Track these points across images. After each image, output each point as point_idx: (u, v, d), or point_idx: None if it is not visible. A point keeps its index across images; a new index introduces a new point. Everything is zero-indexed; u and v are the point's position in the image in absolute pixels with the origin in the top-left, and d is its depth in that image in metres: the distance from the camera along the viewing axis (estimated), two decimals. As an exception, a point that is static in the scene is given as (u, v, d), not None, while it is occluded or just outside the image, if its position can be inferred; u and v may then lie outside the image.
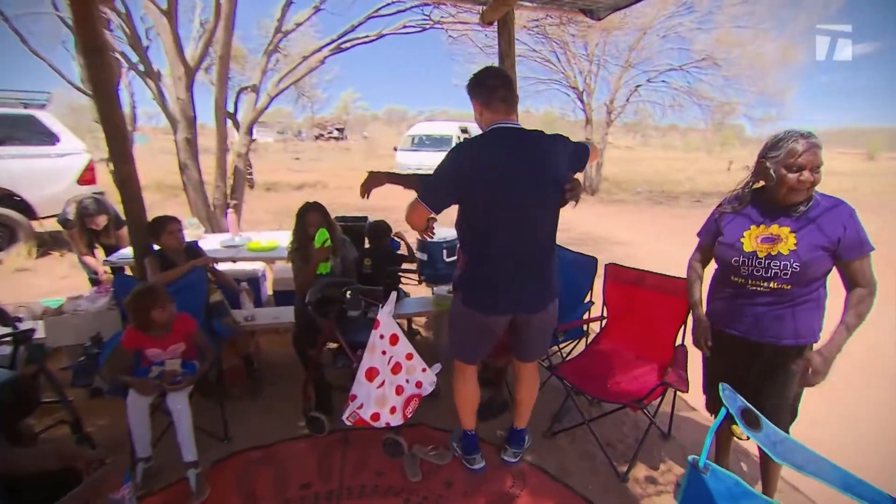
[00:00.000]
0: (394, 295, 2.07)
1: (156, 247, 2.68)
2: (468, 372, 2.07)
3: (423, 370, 2.11)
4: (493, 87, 1.73)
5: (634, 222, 9.62)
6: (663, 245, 7.50)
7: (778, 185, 1.54)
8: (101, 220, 3.72)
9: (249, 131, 5.91)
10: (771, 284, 1.55)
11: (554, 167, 1.72)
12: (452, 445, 2.30)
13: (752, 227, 1.62)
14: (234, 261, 3.37)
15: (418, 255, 3.41)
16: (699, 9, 11.01)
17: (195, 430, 2.06)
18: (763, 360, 1.64)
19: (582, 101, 13.62)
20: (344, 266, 2.78)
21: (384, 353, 2.02)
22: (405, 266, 3.21)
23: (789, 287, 1.53)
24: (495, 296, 1.78)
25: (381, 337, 2.01)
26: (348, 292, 2.24)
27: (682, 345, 2.26)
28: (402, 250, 3.31)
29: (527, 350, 2.04)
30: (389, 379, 2.03)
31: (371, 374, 1.99)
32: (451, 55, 15.88)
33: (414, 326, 3.66)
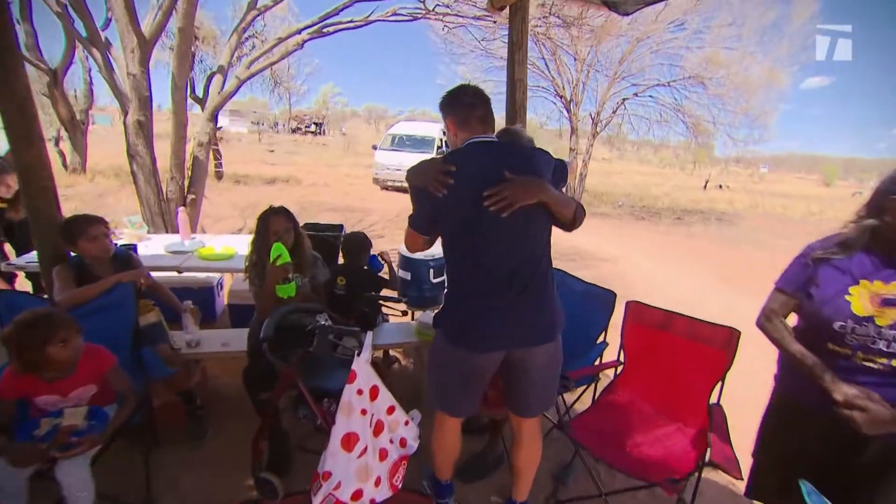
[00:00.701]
0: (369, 336, 1.59)
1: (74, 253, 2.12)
2: (448, 424, 1.71)
3: (406, 423, 1.65)
4: (470, 105, 1.53)
5: (619, 237, 9.41)
6: (652, 263, 7.27)
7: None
8: (11, 182, 3.01)
9: (214, 118, 5.28)
10: (893, 362, 1.17)
11: (544, 175, 1.51)
12: (422, 484, 1.96)
13: (864, 281, 1.24)
14: (178, 271, 2.81)
15: (401, 273, 2.94)
16: (689, 26, 10.97)
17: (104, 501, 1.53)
18: (870, 456, 1.26)
19: (569, 111, 13.43)
20: (314, 289, 2.28)
21: (364, 412, 1.54)
22: (386, 293, 2.72)
23: None
24: (485, 325, 1.46)
25: (360, 392, 1.53)
26: (317, 331, 1.75)
27: (719, 405, 1.88)
28: (385, 272, 2.83)
29: (526, 400, 1.65)
30: (371, 444, 1.55)
31: (349, 441, 1.50)
32: (438, 54, 15.44)
33: (392, 352, 3.18)
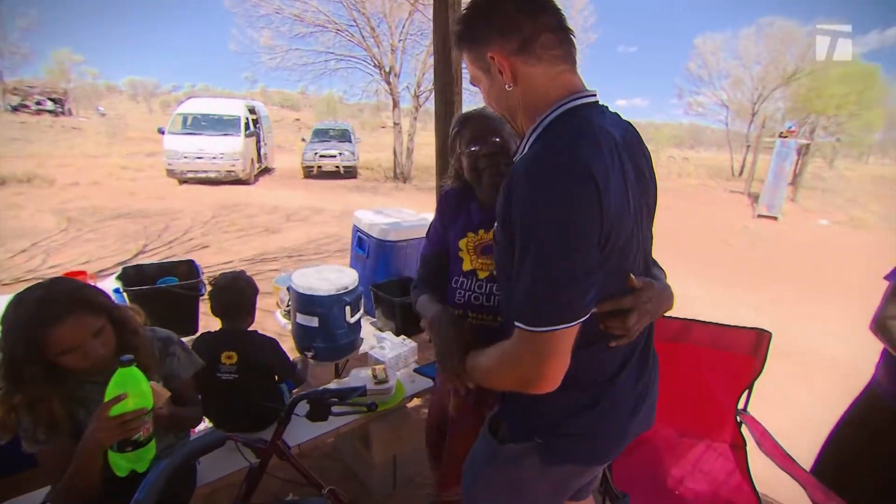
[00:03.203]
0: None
1: None
2: None
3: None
4: (533, 7, 0.80)
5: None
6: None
7: None
8: None
9: None
10: None
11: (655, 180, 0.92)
12: None
13: None
14: None
15: (300, 319, 2.09)
16: None
17: None
18: None
19: (389, 83, 12.87)
20: (181, 395, 1.30)
21: None
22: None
23: None
24: (621, 422, 0.91)
25: None
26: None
27: (747, 412, 1.71)
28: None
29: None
30: None
31: None
32: (227, 15, 12.99)
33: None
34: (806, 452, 1.54)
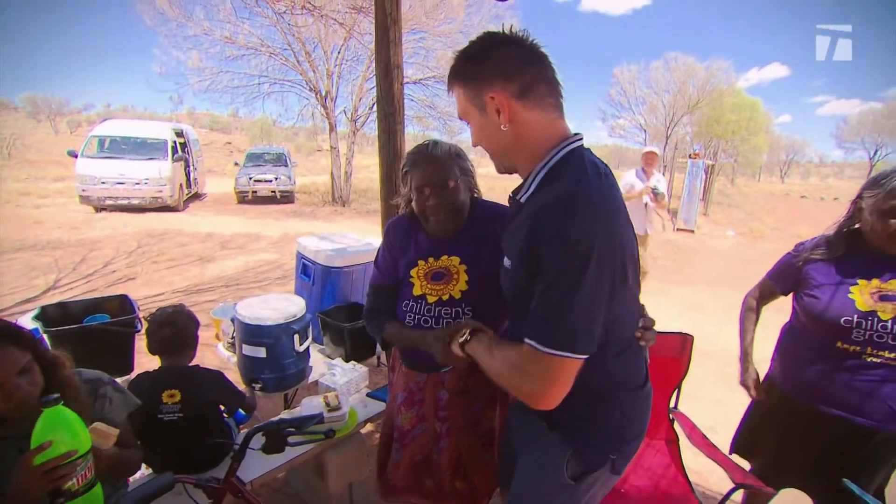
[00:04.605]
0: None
1: None
2: None
3: None
4: (533, 58, 0.89)
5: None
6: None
7: (873, 232, 1.28)
8: None
9: None
10: None
11: None
12: None
13: (861, 280, 1.30)
14: None
15: (246, 350, 2.02)
16: (429, 31, 11.81)
17: None
18: (860, 446, 1.35)
19: (325, 107, 12.78)
20: (119, 440, 1.22)
21: None
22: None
23: None
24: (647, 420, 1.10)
25: None
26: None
27: (678, 409, 1.88)
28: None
29: None
30: None
31: None
32: (149, 35, 12.34)
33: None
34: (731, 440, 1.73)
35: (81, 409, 1.09)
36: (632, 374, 1.01)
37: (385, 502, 1.50)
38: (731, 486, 1.46)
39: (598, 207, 0.81)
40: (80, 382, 1.14)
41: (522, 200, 0.92)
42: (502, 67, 0.86)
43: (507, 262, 0.95)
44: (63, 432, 0.89)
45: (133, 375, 1.70)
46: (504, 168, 0.97)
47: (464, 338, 1.04)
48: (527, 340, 0.82)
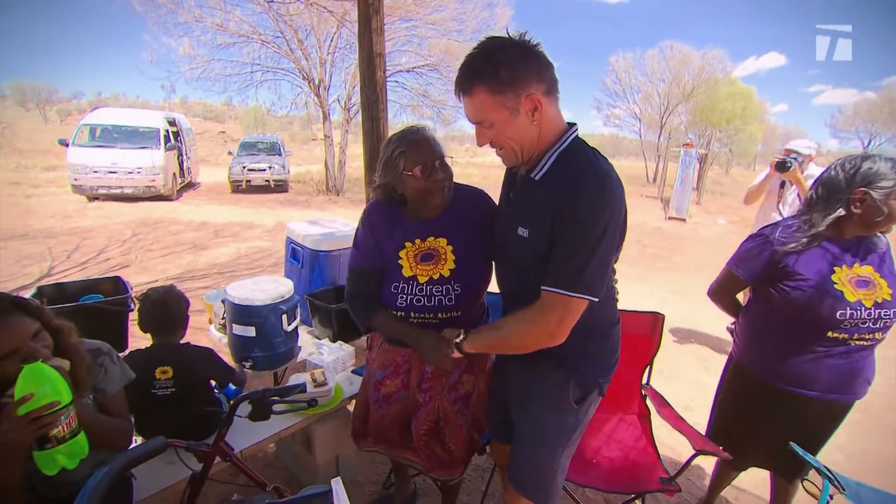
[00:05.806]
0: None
1: None
2: None
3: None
4: (547, 58, 1.04)
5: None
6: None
7: (886, 220, 1.30)
8: None
9: None
10: (877, 335, 1.33)
11: None
12: None
13: (836, 269, 1.33)
14: None
15: (236, 330, 2.10)
16: (420, 18, 11.72)
17: None
18: (824, 417, 1.45)
19: (318, 96, 12.72)
20: (110, 410, 1.29)
21: None
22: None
23: (881, 337, 1.34)
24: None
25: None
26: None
27: (650, 385, 1.98)
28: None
29: None
30: None
31: None
32: (138, 21, 12.20)
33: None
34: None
35: (88, 375, 1.18)
36: (614, 312, 1.24)
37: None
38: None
39: (616, 181, 1.01)
40: (85, 348, 1.21)
41: (537, 178, 1.07)
42: (535, 69, 1.00)
43: (521, 230, 1.09)
44: (44, 385, 0.95)
45: (127, 353, 1.77)
46: (520, 159, 1.09)
47: (460, 338, 1.18)
48: (550, 289, 1.01)
